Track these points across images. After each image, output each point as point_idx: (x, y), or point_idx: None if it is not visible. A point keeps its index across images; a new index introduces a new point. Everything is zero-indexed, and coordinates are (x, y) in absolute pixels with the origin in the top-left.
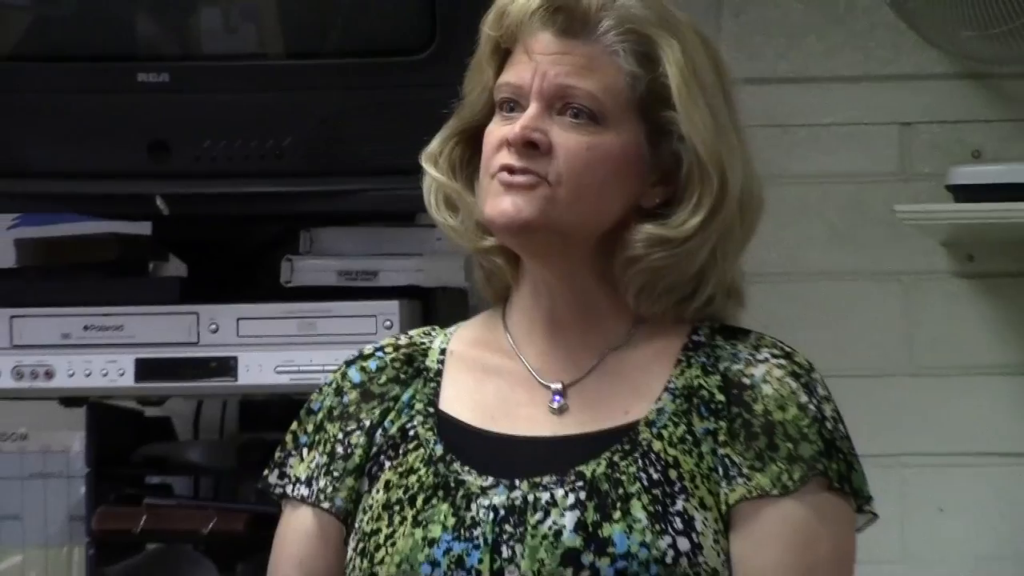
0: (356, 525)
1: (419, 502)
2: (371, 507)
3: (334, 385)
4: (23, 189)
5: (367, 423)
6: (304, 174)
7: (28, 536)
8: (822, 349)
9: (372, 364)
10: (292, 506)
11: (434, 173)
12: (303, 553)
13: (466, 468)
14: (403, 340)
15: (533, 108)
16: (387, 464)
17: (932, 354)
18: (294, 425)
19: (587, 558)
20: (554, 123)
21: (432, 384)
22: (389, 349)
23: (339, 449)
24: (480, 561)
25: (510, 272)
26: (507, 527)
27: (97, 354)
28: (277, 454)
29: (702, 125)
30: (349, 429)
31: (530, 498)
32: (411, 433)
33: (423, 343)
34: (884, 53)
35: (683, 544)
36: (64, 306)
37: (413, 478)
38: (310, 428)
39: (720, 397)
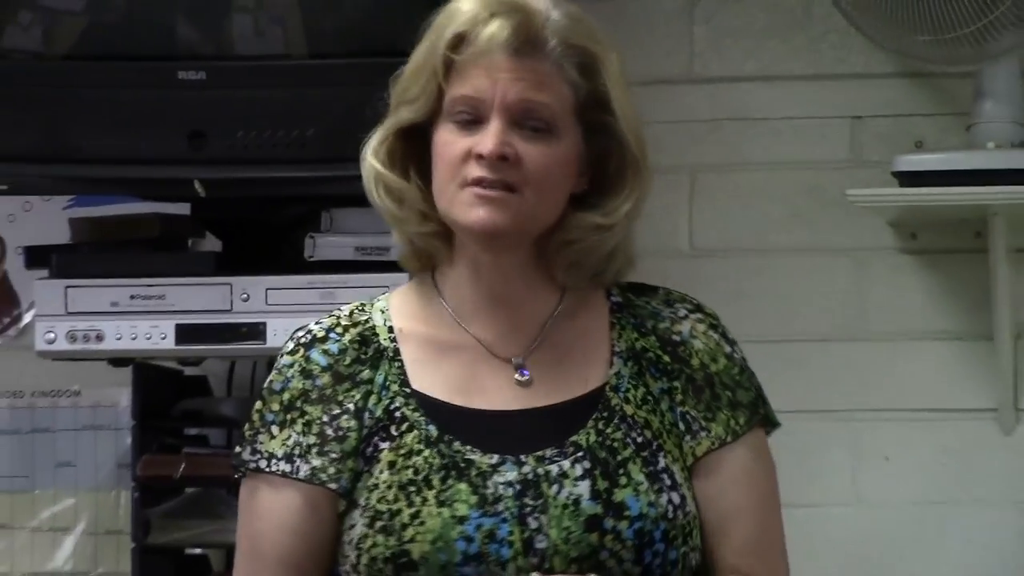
0: (362, 503)
1: (435, 482)
2: (379, 487)
3: (298, 367)
4: (77, 174)
5: (351, 407)
6: (325, 161)
7: (81, 481)
8: (784, 316)
9: (333, 347)
10: (268, 480)
11: (378, 167)
12: (294, 523)
13: (467, 447)
14: (344, 320)
15: (498, 123)
16: (383, 446)
17: (880, 321)
18: (258, 404)
19: (608, 523)
20: (515, 135)
21: (396, 364)
22: (340, 331)
23: (329, 431)
24: (510, 533)
25: (445, 251)
26: (527, 500)
27: (142, 320)
28: (246, 431)
29: (635, 126)
30: (335, 412)
31: (540, 471)
32: (398, 415)
33: (365, 320)
34: (837, 54)
35: (675, 498)
36: (112, 278)
37: (419, 459)
38: (276, 407)
39: (665, 358)
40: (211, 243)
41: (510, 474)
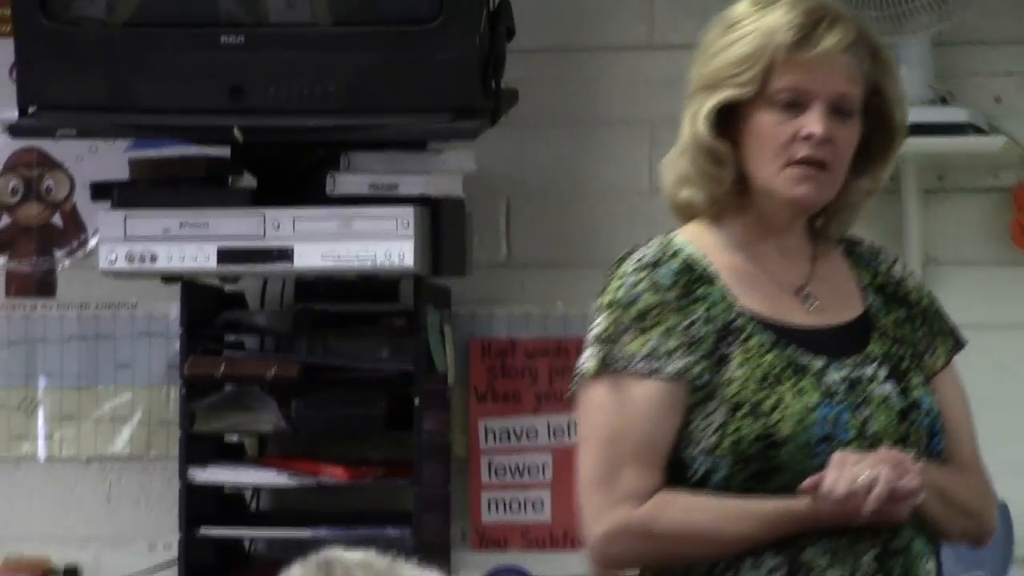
0: (719, 396)
1: (786, 377)
2: (736, 381)
3: (646, 284)
4: (135, 122)
5: (700, 316)
6: (345, 112)
7: (136, 379)
8: None
9: (670, 268)
10: (631, 380)
11: (706, 133)
12: (656, 416)
13: (799, 351)
14: (665, 248)
15: (821, 109)
16: (733, 349)
17: None
18: (607, 317)
19: (912, 415)
20: (830, 120)
21: (720, 285)
22: (668, 257)
23: (686, 337)
24: (849, 420)
25: (735, 205)
26: (855, 395)
27: (189, 244)
28: (599, 341)
29: (903, 108)
30: (689, 321)
31: (855, 374)
32: (736, 324)
33: (680, 250)
34: None
35: (936, 402)
36: (164, 208)
37: (767, 359)
38: (630, 318)
39: (894, 292)
40: (248, 180)
41: (836, 374)
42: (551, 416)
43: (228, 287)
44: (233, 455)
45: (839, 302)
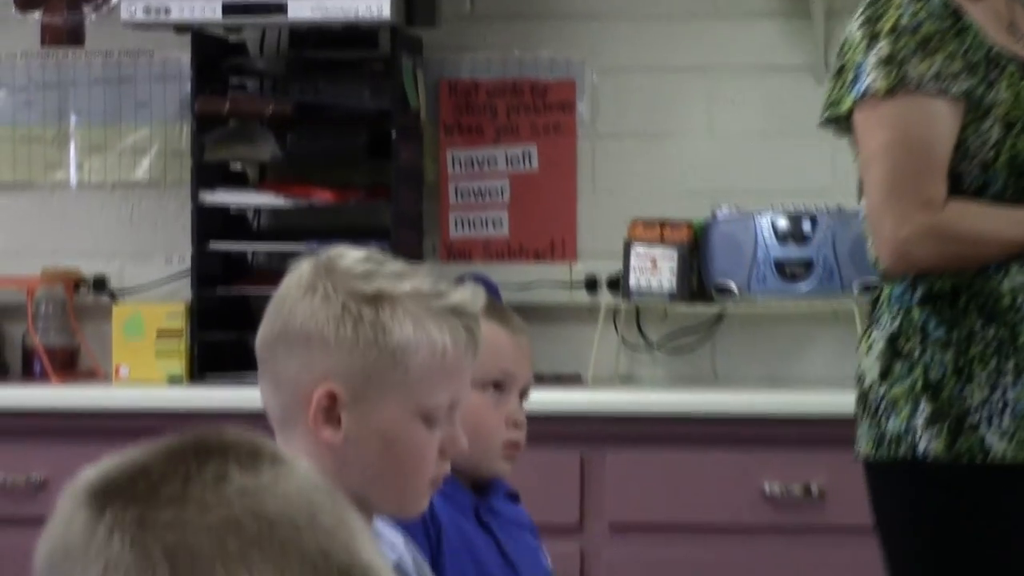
0: (995, 115)
1: None
2: (1007, 102)
3: (924, 12)
4: None
5: (971, 42)
6: None
7: (154, 116)
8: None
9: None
10: (921, 98)
11: None
12: (944, 131)
13: None
14: None
15: None
16: (997, 75)
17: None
18: (891, 40)
19: None
20: None
21: (971, 20)
22: None
23: (965, 61)
24: None
25: None
26: None
27: None
28: (888, 61)
29: None
30: (965, 46)
31: None
32: (995, 52)
33: None
34: None
35: None
36: None
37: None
38: (915, 43)
39: None
40: None
41: None
42: (508, 147)
43: (232, 37)
44: (237, 181)
45: None
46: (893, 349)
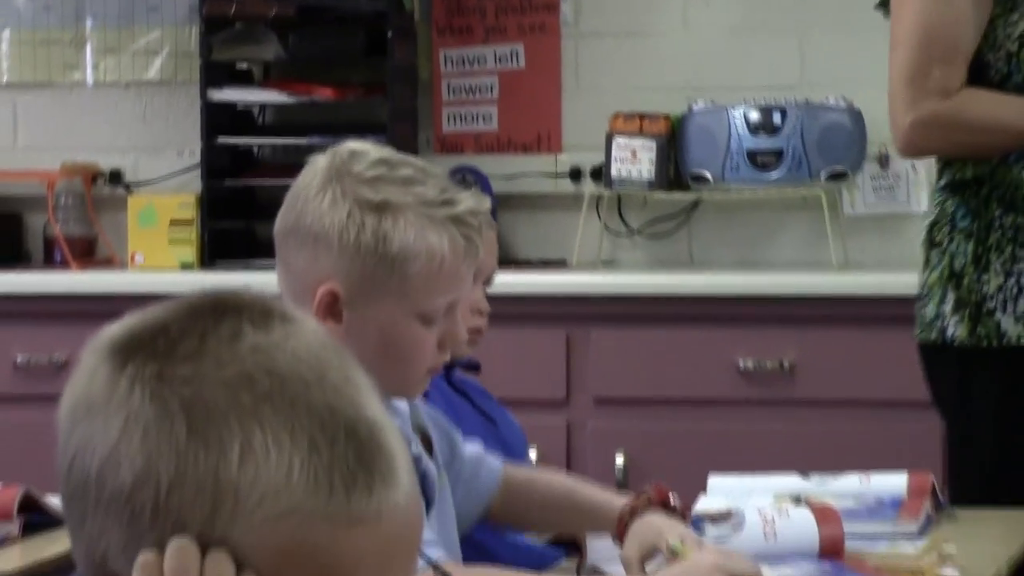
0: (1023, 8)
1: None
2: None
3: None
4: None
5: None
6: None
7: (165, 20)
8: None
9: None
10: None
11: None
12: (973, 19)
13: None
14: None
15: None
16: None
17: None
18: None
19: None
20: None
21: None
22: None
23: None
24: None
25: None
26: None
27: None
28: None
29: None
30: None
31: None
32: None
33: None
34: None
35: None
36: None
37: None
38: None
39: None
40: None
41: None
42: (497, 46)
43: None
44: (243, 79)
45: None
46: (930, 238)
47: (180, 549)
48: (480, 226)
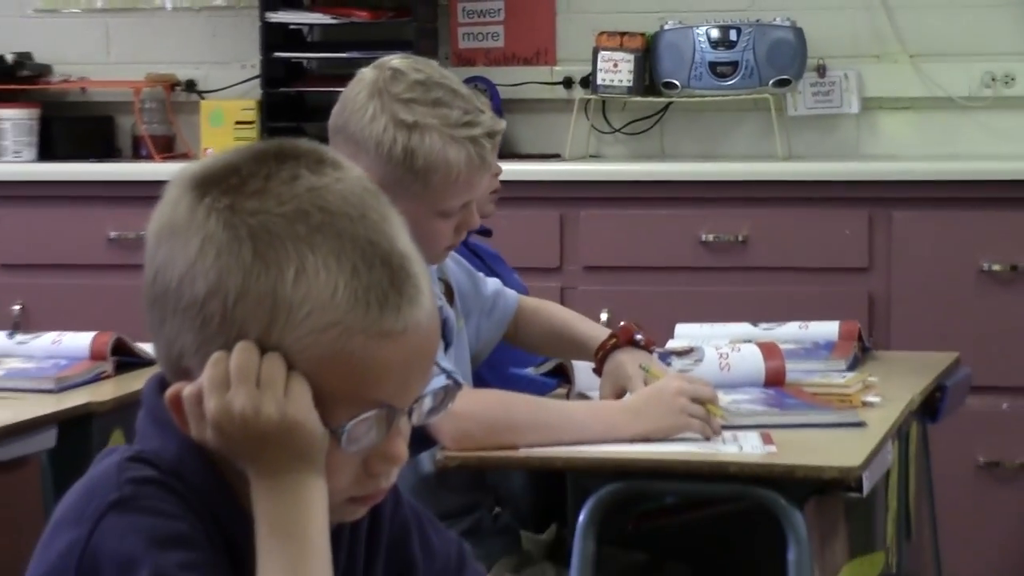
0: None
1: None
2: None
3: None
4: None
5: None
6: None
7: None
8: None
9: None
10: None
11: None
12: None
13: None
14: None
15: None
16: None
17: None
18: None
19: None
20: None
21: None
22: None
23: None
24: None
25: None
26: None
27: None
28: None
29: None
30: None
31: None
32: None
33: None
34: None
35: None
36: None
37: None
38: None
39: None
40: None
41: None
42: None
43: None
44: (294, 4)
45: None
46: None
47: (244, 350)
48: (495, 146)
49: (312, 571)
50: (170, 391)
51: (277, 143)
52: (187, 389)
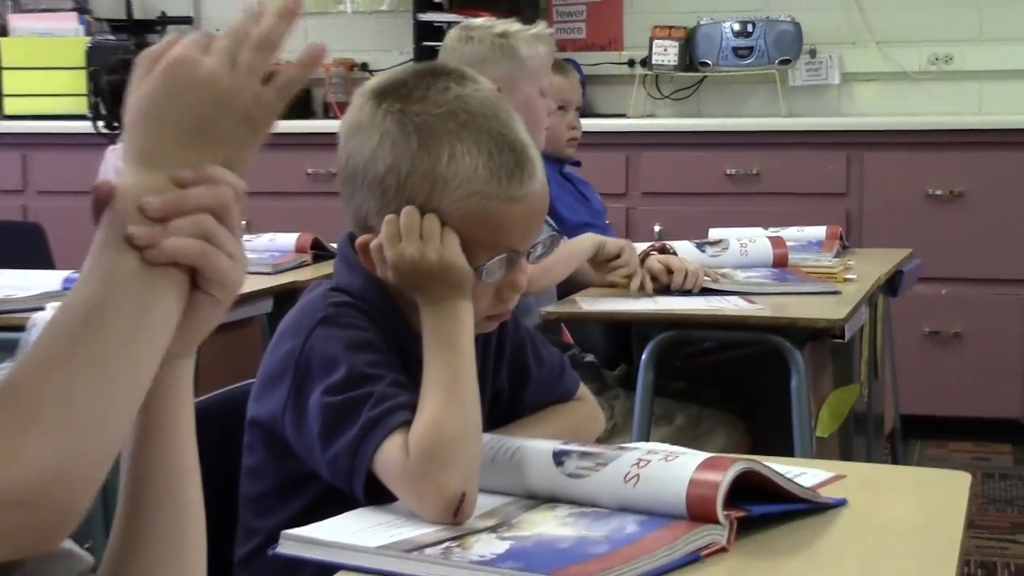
0: None
1: None
2: None
3: None
4: None
5: None
6: None
7: None
8: None
9: None
10: None
11: None
12: None
13: None
14: None
15: None
16: None
17: None
18: None
19: None
20: None
21: None
22: None
23: None
24: None
25: None
26: None
27: None
28: None
29: None
30: None
31: None
32: None
33: None
34: None
35: None
36: None
37: None
38: None
39: None
40: None
41: None
42: None
43: None
44: (437, 7)
45: None
46: None
47: (410, 212)
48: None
49: (464, 368)
50: (360, 240)
51: (432, 64)
52: (373, 242)
